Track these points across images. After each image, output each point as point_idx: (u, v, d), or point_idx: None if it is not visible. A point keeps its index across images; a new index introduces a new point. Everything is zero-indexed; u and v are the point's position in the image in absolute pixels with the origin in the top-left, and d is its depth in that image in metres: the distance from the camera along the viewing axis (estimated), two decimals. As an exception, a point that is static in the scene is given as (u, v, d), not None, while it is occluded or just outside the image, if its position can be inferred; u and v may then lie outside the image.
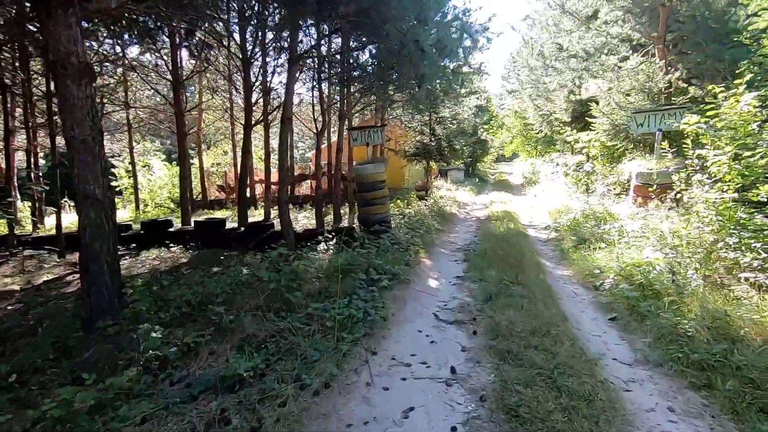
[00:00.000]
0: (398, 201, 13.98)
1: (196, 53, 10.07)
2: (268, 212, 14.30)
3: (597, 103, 9.49)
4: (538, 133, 20.71)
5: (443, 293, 5.39)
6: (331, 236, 8.16)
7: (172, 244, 8.90)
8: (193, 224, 9.98)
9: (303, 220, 13.41)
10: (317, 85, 10.35)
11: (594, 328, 4.14)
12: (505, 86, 32.12)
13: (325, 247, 7.62)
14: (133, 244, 9.03)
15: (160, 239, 9.18)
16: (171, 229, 9.67)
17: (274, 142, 31.63)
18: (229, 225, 12.56)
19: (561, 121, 14.96)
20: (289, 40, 7.32)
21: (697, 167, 4.78)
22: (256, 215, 15.30)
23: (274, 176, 21.85)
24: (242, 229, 9.46)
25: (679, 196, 6.45)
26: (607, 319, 4.35)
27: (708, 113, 4.73)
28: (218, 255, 8.06)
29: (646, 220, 6.40)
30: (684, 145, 4.85)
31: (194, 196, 20.50)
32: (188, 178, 11.93)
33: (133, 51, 15.91)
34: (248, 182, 19.15)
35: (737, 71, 6.17)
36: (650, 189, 6.18)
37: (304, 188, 20.62)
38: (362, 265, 5.41)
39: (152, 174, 23.50)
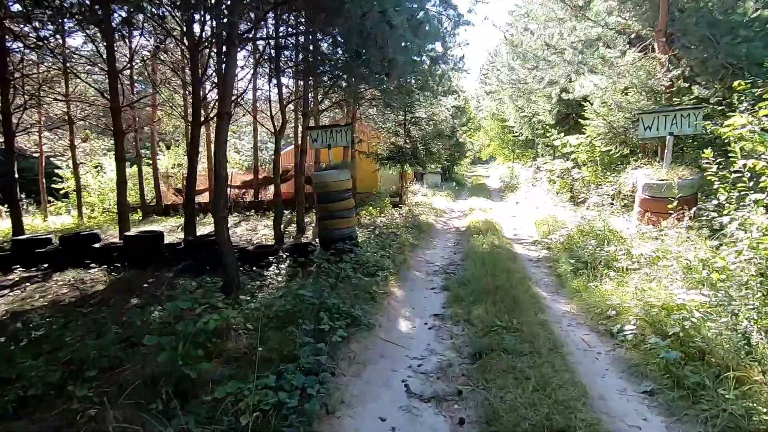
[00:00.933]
0: (370, 208, 12.70)
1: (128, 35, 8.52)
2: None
3: (590, 103, 8.47)
4: (517, 135, 19.79)
5: (417, 344, 4.13)
6: (285, 256, 6.82)
7: (93, 264, 7.36)
8: (123, 238, 8.41)
9: (263, 230, 11.96)
10: (275, 77, 8.93)
11: (627, 411, 2.95)
12: (483, 87, 31.25)
13: (277, 270, 6.29)
14: (46, 265, 7.44)
15: (82, 257, 7.60)
16: (97, 245, 8.08)
17: (241, 143, 29.77)
18: (176, 237, 11.04)
19: (544, 124, 14.00)
20: (233, 18, 5.92)
21: (750, 182, 3.67)
22: (211, 223, 13.72)
23: (237, 179, 20.28)
24: (182, 244, 7.97)
25: (696, 213, 5.41)
26: (641, 392, 3.17)
27: (762, 112, 3.64)
28: (146, 279, 6.62)
29: (660, 242, 5.33)
30: (731, 155, 3.74)
31: (148, 201, 18.78)
32: (125, 182, 10.31)
33: (77, 40, 14.19)
34: (207, 186, 17.51)
35: (765, 66, 5.14)
36: (670, 206, 5.08)
37: (272, 192, 19.10)
38: (312, 306, 4.10)
39: (104, 175, 21.49)
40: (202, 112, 10.96)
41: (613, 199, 7.79)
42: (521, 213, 13.06)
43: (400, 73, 6.10)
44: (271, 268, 6.26)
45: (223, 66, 8.18)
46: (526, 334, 3.97)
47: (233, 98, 12.17)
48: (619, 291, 4.74)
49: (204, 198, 16.75)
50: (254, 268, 6.31)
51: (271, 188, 19.22)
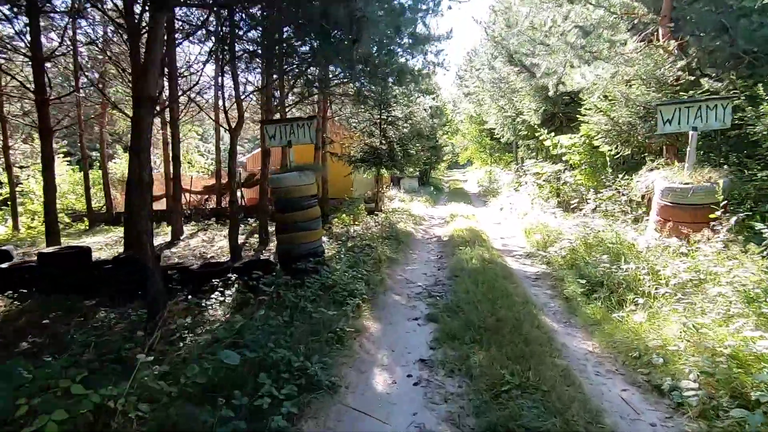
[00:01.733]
0: (343, 216, 11.50)
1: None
2: (178, 230, 11.33)
3: (589, 96, 7.57)
4: (498, 138, 18.96)
5: (399, 412, 2.96)
6: (234, 278, 5.53)
7: (-4, 290, 5.91)
8: (37, 256, 6.92)
9: (222, 241, 10.57)
10: (230, 62, 7.63)
11: None
12: (460, 90, 30.51)
13: (222, 298, 5.04)
14: (-67, 291, 5.94)
15: (-16, 281, 6.13)
16: (4, 265, 6.60)
17: (206, 146, 28.07)
18: (117, 251, 9.56)
19: (529, 124, 13.14)
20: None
21: None
22: (165, 233, 12.22)
23: (198, 184, 18.72)
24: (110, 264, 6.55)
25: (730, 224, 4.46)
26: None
27: None
28: (55, 310, 5.25)
29: (692, 259, 4.35)
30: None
31: (98, 209, 17.11)
32: (54, 187, 8.87)
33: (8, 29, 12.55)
34: (164, 192, 15.92)
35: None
36: (712, 215, 4.11)
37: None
38: (252, 361, 2.88)
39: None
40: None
41: (624, 206, 6.84)
42: (507, 220, 12.12)
43: (372, 45, 4.96)
44: (214, 295, 5.02)
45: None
46: (550, 396, 2.86)
47: (185, 91, 10.82)
48: (656, 326, 3.70)
49: (161, 204, 15.13)
50: (189, 297, 5.01)
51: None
